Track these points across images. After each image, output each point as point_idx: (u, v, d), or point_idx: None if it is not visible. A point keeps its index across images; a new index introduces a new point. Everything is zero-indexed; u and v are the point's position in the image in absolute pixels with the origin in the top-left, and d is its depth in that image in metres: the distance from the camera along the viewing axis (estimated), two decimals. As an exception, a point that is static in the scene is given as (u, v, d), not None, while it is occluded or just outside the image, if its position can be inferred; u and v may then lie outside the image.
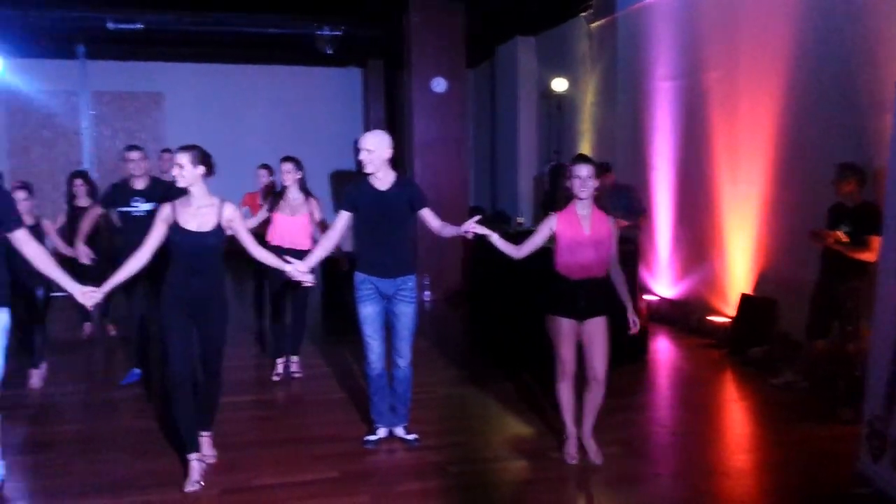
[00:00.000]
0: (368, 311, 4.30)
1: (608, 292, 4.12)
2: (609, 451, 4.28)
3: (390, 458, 4.38)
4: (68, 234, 6.33)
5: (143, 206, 5.35)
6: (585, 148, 9.85)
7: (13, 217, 3.60)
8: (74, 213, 6.63)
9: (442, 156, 9.35)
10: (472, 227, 4.04)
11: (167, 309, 3.89)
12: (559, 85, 10.34)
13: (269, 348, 6.42)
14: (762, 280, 6.53)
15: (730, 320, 6.77)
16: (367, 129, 13.39)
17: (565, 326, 4.05)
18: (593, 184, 3.99)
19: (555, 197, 9.95)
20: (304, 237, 5.81)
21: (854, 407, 4.46)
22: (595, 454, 4.18)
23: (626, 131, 8.68)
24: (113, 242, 6.65)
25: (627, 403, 5.24)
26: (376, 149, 4.17)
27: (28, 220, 5.62)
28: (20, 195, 5.64)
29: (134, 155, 5.45)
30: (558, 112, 10.58)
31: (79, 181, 7.05)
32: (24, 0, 9.13)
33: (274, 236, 5.81)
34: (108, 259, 6.20)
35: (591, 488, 4.02)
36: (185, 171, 3.83)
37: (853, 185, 4.97)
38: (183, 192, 3.91)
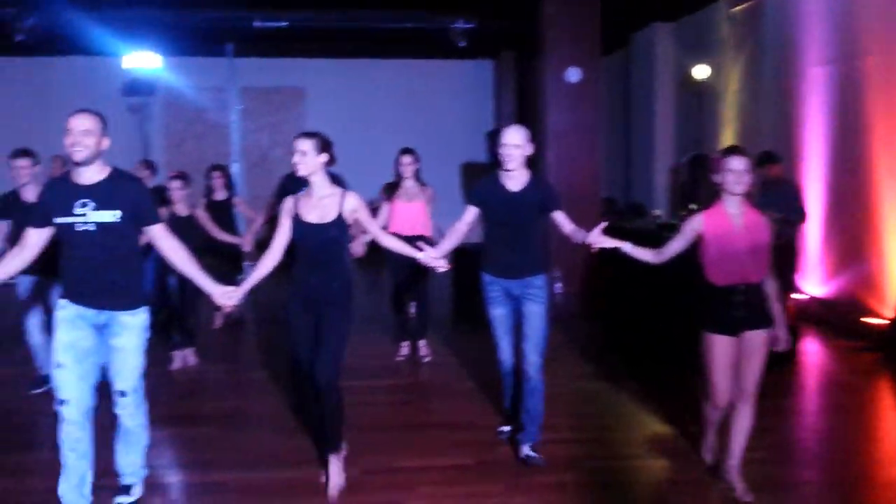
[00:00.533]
0: (497, 313, 4.19)
1: (767, 300, 3.66)
2: (754, 456, 4.10)
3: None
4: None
5: None
6: (728, 138, 9.44)
7: (151, 212, 3.48)
8: (211, 206, 6.80)
9: (575, 147, 9.23)
10: (598, 239, 3.80)
11: (290, 310, 3.80)
12: (700, 72, 9.96)
13: (393, 332, 6.58)
14: (926, 280, 6.05)
15: (888, 322, 6.31)
16: (499, 121, 13.43)
17: (719, 346, 3.59)
18: (749, 179, 3.56)
19: (694, 189, 9.61)
20: (422, 223, 6.03)
21: None
22: (743, 492, 3.66)
23: (773, 120, 8.25)
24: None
25: (775, 407, 4.98)
26: (522, 144, 3.98)
27: (182, 209, 6.01)
28: (175, 185, 5.99)
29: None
30: (698, 101, 10.19)
31: (217, 174, 7.22)
32: (179, 2, 9.76)
33: (394, 224, 5.99)
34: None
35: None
36: (308, 159, 3.67)
37: None
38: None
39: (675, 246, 3.72)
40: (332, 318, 3.69)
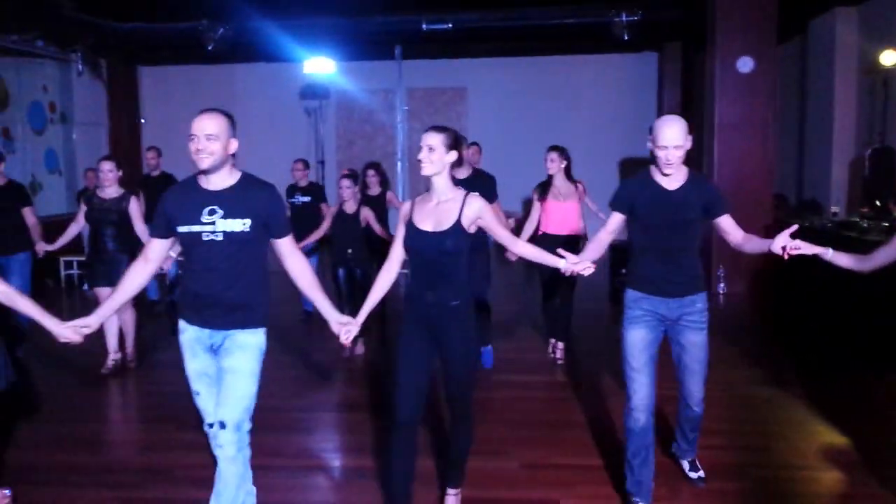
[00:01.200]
0: (638, 337, 3.44)
1: None
2: None
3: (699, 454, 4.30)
4: None
5: None
6: (918, 129, 8.68)
7: (282, 223, 3.11)
8: (366, 201, 6.95)
9: (745, 140, 8.85)
10: (793, 244, 3.15)
11: (403, 331, 3.30)
12: (888, 58, 9.21)
13: (544, 329, 6.61)
14: None
15: None
16: (661, 114, 13.05)
17: None
18: None
19: (880, 185, 8.93)
20: (576, 222, 5.95)
21: None
22: None
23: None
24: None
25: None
26: (684, 143, 3.29)
27: (351, 206, 6.36)
28: (345, 183, 6.33)
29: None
30: (884, 89, 9.43)
31: (371, 171, 7.29)
32: (353, 9, 10.29)
33: (546, 224, 5.97)
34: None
35: None
36: (435, 156, 3.16)
37: None
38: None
39: (886, 253, 3.14)
40: (455, 339, 3.22)
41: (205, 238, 2.97)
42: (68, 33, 10.86)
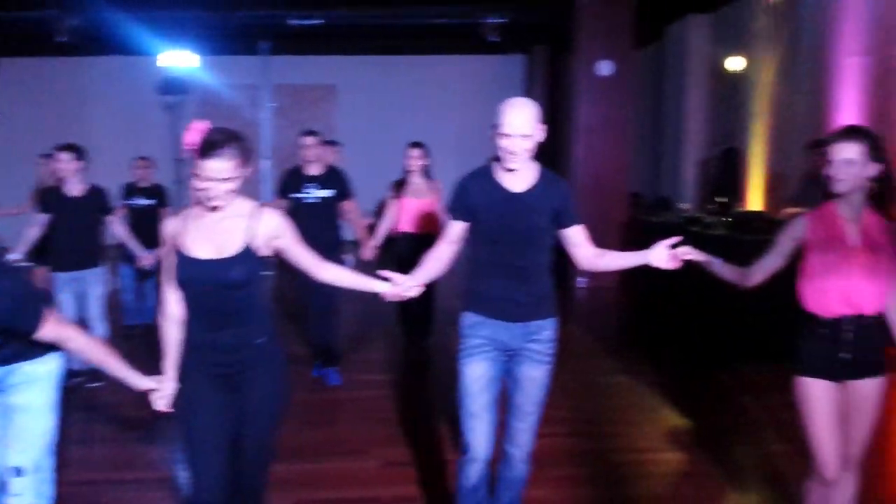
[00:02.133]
0: (478, 373, 2.84)
1: (885, 339, 2.77)
2: (772, 449, 4.04)
3: (549, 442, 4.34)
4: None
5: (316, 193, 5.31)
6: (761, 130, 9.28)
7: None
8: None
9: (604, 141, 9.16)
10: (679, 251, 2.81)
11: (186, 392, 2.61)
12: (734, 64, 9.80)
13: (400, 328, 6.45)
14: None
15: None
16: (531, 115, 13.33)
17: (820, 394, 2.71)
18: (859, 172, 2.63)
19: (725, 183, 9.49)
20: (432, 221, 5.81)
21: None
22: None
23: (807, 112, 8.08)
24: None
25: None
26: (532, 132, 2.81)
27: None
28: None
29: (308, 140, 5.32)
30: (731, 93, 10.03)
31: None
32: (217, 1, 9.92)
33: (403, 222, 5.92)
34: None
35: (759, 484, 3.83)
36: (230, 184, 2.52)
37: None
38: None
39: (770, 263, 2.85)
40: (255, 387, 2.61)
41: None
42: None
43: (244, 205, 2.59)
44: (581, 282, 8.98)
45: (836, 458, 2.71)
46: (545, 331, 2.89)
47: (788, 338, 2.84)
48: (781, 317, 3.10)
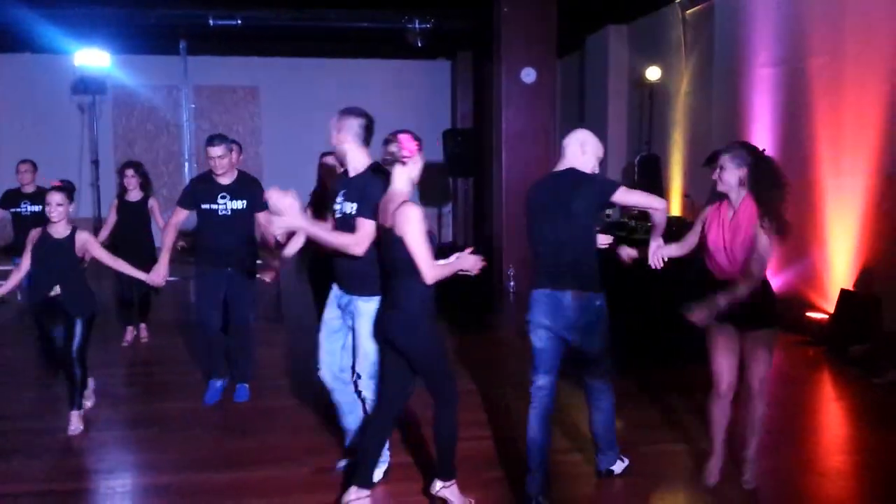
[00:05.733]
0: None
1: (767, 296, 3.65)
2: (701, 447, 4.17)
3: (478, 445, 4.36)
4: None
5: (229, 204, 4.99)
6: (679, 138, 9.60)
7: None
8: (123, 209, 6.50)
9: (529, 147, 9.29)
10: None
11: None
12: (652, 74, 10.11)
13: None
14: (864, 276, 6.22)
15: (828, 317, 6.47)
16: (455, 122, 13.44)
17: (716, 334, 3.66)
18: (725, 177, 3.56)
19: (646, 189, 9.74)
20: None
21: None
22: (749, 478, 3.80)
23: (723, 121, 8.40)
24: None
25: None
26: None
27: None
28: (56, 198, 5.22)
29: (216, 150, 4.88)
30: (650, 102, 10.35)
31: (130, 171, 6.56)
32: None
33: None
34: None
35: (670, 484, 3.93)
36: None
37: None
38: None
39: (692, 238, 3.81)
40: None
41: None
42: None
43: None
44: (510, 286, 9.07)
45: (725, 379, 3.66)
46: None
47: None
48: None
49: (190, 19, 10.28)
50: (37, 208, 6.36)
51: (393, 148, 3.39)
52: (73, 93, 12.17)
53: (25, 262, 4.61)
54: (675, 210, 9.33)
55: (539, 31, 9.26)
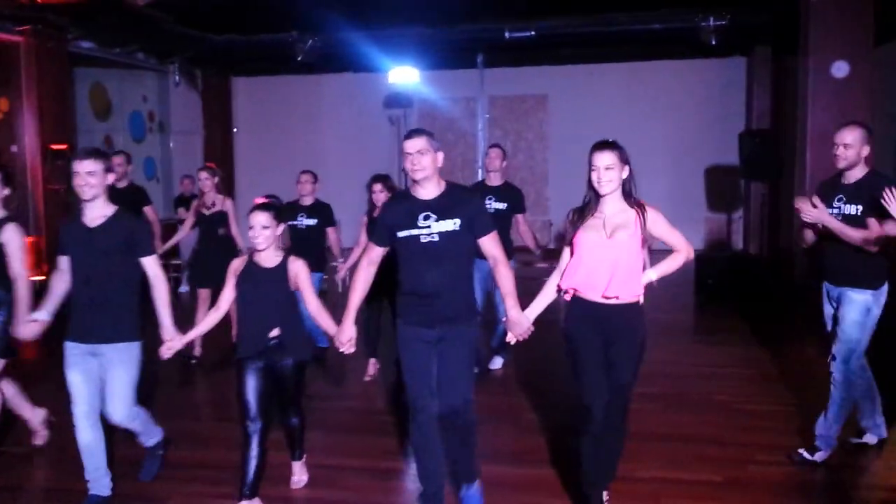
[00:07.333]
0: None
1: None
2: None
3: (777, 470, 4.20)
4: None
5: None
6: None
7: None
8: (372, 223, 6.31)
9: (840, 149, 8.52)
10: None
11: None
12: None
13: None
14: None
15: None
16: (750, 121, 12.69)
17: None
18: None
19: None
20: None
21: None
22: None
23: None
24: None
25: None
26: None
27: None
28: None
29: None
30: None
31: (378, 186, 5.63)
32: (434, 18, 10.44)
33: None
34: None
35: None
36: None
37: None
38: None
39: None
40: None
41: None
42: (167, 46, 11.40)
43: None
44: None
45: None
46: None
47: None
48: None
49: (489, 34, 10.89)
50: (313, 222, 6.33)
51: None
52: (385, 107, 13.55)
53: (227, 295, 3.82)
54: None
55: (853, 20, 8.46)
